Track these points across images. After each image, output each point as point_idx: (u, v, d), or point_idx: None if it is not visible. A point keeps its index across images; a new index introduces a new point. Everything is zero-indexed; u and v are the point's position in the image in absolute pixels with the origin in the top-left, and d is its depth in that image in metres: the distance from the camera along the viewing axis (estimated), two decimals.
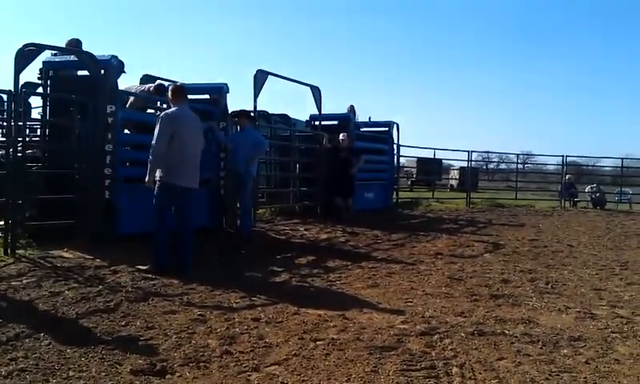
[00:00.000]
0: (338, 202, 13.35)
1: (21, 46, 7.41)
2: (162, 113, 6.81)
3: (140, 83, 10.64)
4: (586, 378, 3.93)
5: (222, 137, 10.05)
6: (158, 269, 6.65)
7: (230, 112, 10.39)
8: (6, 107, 7.66)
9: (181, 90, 7.02)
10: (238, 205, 10.15)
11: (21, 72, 7.44)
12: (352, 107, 15.70)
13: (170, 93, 7.03)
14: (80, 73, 8.61)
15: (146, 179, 6.78)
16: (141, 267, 6.72)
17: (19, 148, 7.58)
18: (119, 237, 7.91)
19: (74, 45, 8.90)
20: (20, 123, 7.64)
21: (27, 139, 8.40)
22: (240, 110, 10.28)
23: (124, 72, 8.64)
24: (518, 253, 9.58)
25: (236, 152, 9.69)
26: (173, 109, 6.85)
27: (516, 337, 4.75)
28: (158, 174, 6.73)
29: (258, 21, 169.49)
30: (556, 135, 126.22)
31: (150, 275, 6.50)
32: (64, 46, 8.72)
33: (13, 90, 7.36)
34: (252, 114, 10.59)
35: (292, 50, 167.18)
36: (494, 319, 5.29)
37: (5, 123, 7.72)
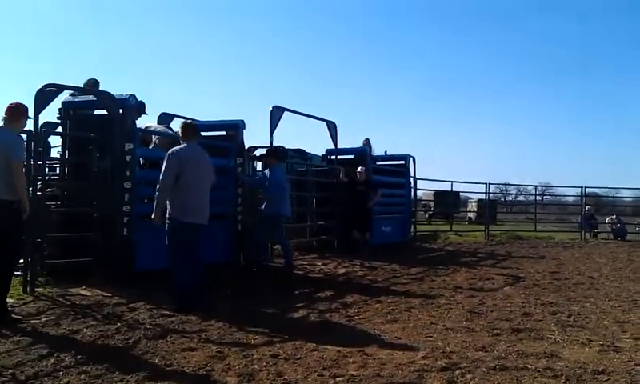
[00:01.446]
0: (355, 236, 13.33)
1: (40, 86, 7.54)
2: (170, 150, 6.87)
3: (158, 122, 10.79)
4: None
5: (250, 181, 10.41)
6: (184, 306, 6.61)
7: (246, 148, 10.55)
8: (25, 146, 7.77)
9: (190, 128, 7.13)
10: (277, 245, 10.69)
11: (40, 112, 7.56)
12: (367, 141, 15.75)
13: (180, 130, 7.13)
14: (99, 112, 8.74)
15: (153, 216, 6.86)
16: (166, 311, 6.61)
17: (39, 186, 7.67)
18: (137, 274, 7.93)
19: (93, 85, 9.08)
20: (39, 162, 7.76)
21: (46, 178, 8.50)
22: (267, 149, 10.49)
23: (145, 113, 8.76)
24: (539, 285, 9.46)
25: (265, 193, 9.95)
26: (180, 146, 6.93)
27: (539, 371, 4.66)
28: (168, 211, 6.79)
29: (271, 56, 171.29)
30: (574, 166, 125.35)
31: (168, 312, 6.49)
32: (82, 86, 8.88)
33: (32, 129, 7.47)
34: (278, 153, 10.68)
35: (308, 86, 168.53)
36: (515, 353, 5.19)
37: (24, 162, 7.82)
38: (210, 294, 7.12)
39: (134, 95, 8.31)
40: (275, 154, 10.32)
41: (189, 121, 7.46)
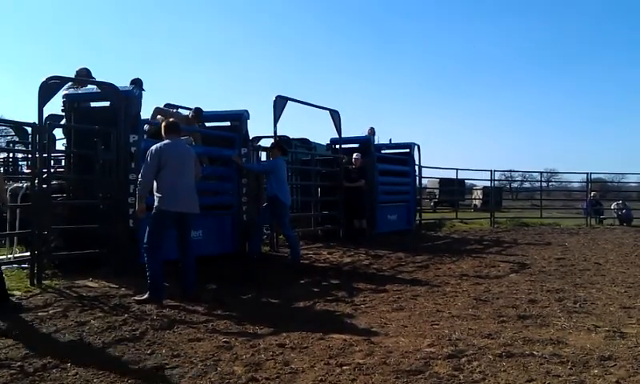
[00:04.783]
0: (354, 224, 13.35)
1: (44, 79, 7.54)
2: (152, 147, 6.91)
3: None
4: None
5: (255, 166, 10.61)
6: (155, 297, 6.65)
7: (251, 138, 10.56)
8: (30, 139, 7.79)
9: (171, 126, 7.18)
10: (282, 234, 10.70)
11: (44, 105, 7.57)
12: (372, 130, 15.73)
13: (162, 129, 7.17)
14: (101, 104, 8.72)
15: (136, 208, 7.00)
16: (137, 298, 6.71)
17: (44, 179, 7.68)
18: (143, 265, 7.94)
19: (84, 74, 9.07)
20: (45, 155, 7.77)
21: (52, 170, 8.51)
22: (273, 142, 10.50)
23: (143, 90, 8.74)
24: (545, 272, 9.45)
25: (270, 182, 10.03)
26: (162, 143, 6.97)
27: (545, 358, 4.66)
28: (156, 201, 6.85)
29: (276, 45, 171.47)
30: (580, 152, 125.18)
31: (174, 303, 6.51)
32: (73, 75, 8.88)
33: (37, 122, 7.48)
34: (283, 145, 10.65)
35: (311, 75, 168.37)
36: (522, 340, 5.20)
37: (30, 155, 7.84)
38: (216, 284, 7.13)
39: (139, 81, 8.32)
40: (280, 147, 10.30)
41: (171, 120, 7.55)
